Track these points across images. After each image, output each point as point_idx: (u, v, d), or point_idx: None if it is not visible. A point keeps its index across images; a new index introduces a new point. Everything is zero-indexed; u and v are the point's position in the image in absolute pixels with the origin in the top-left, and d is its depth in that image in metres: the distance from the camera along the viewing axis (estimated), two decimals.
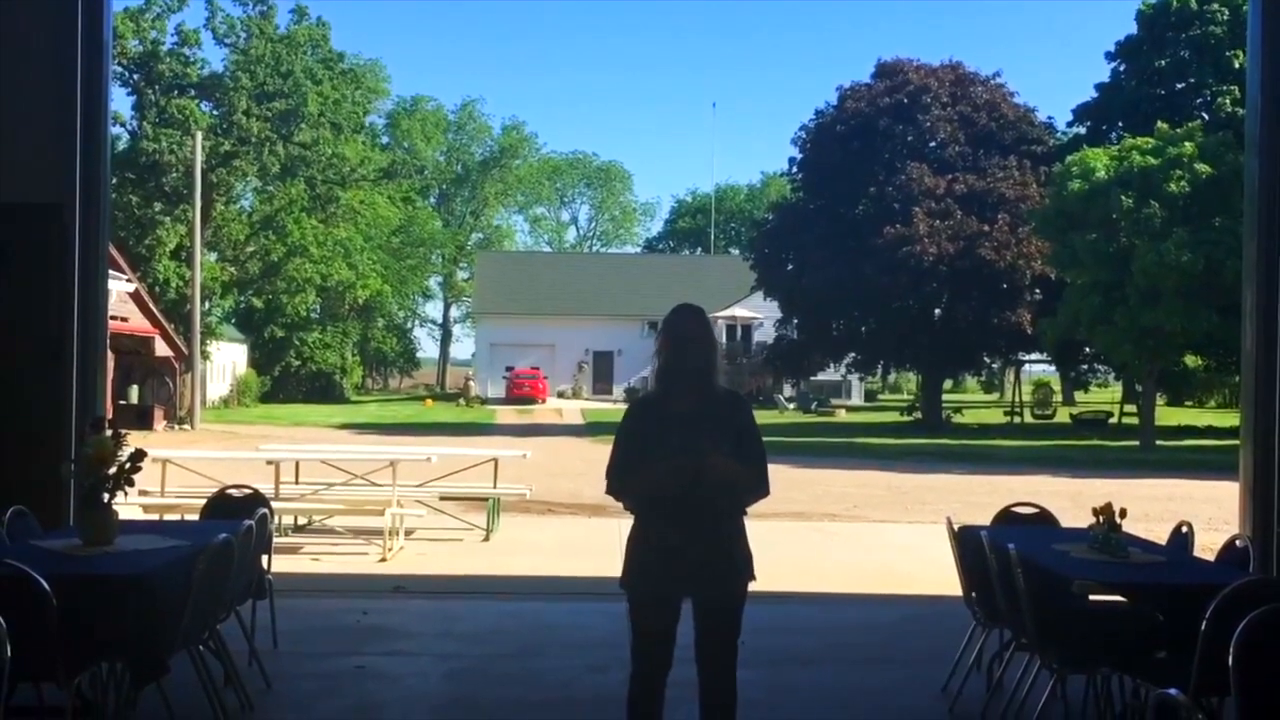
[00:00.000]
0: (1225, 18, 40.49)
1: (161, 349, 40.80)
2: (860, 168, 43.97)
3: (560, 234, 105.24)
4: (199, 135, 46.29)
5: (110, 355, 11.04)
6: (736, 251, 78.52)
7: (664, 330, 5.05)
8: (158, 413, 40.69)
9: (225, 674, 6.51)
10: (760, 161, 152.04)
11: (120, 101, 52.02)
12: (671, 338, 5.00)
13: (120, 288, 34.76)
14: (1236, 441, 9.07)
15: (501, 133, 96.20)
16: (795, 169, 49.03)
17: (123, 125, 51.70)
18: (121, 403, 38.67)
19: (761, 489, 4.98)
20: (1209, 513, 16.88)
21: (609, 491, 5.04)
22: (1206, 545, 8.53)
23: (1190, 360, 44.76)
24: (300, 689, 7.27)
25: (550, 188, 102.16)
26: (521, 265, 76.22)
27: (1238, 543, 6.89)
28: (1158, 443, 34.84)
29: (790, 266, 46.55)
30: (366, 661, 7.86)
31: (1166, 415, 45.58)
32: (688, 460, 4.79)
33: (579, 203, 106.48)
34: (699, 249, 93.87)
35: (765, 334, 56.80)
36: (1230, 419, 43.22)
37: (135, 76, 51.97)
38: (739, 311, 62.17)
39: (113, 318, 26.30)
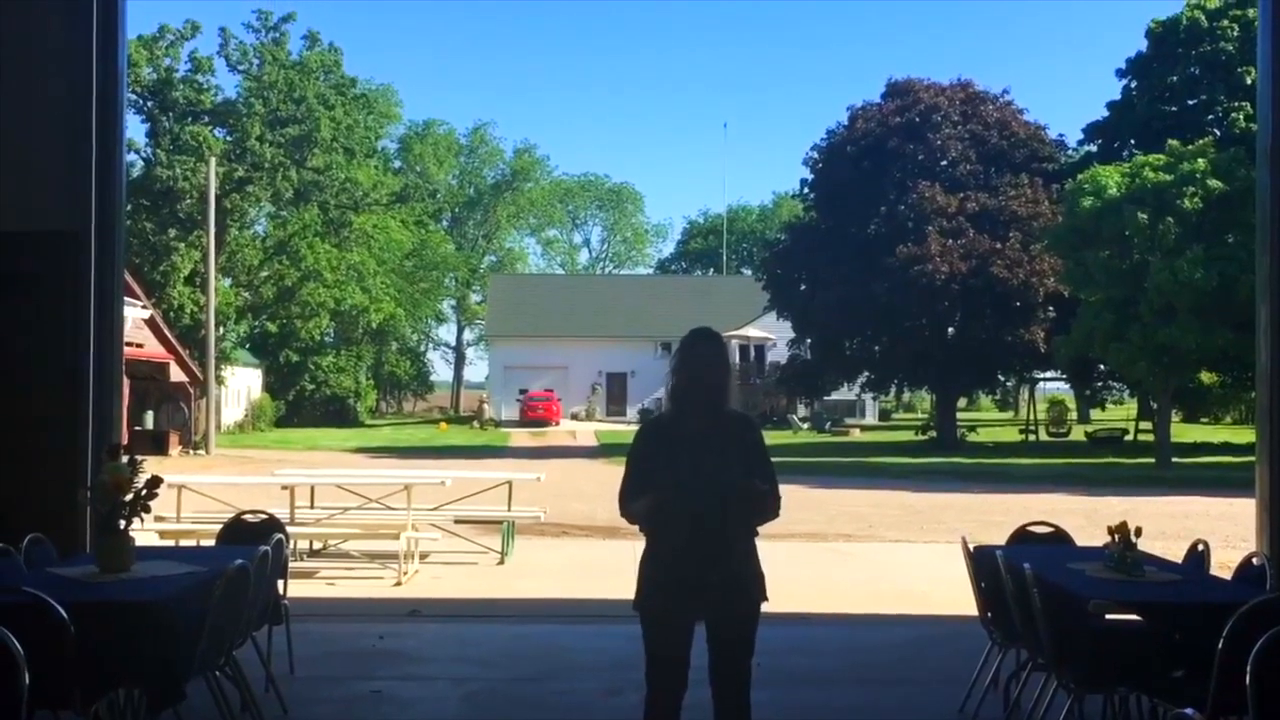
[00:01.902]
0: (1235, 34, 40.49)
1: (176, 374, 40.94)
2: (872, 187, 44.03)
3: (573, 256, 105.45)
4: (213, 161, 46.56)
5: (125, 381, 11.08)
6: (749, 272, 78.64)
7: (678, 353, 5.08)
8: (173, 438, 40.80)
9: (242, 700, 6.52)
10: (772, 182, 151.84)
11: (134, 128, 52.43)
12: (685, 360, 5.03)
13: (135, 314, 34.91)
14: (1253, 458, 9.03)
15: (513, 155, 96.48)
16: (807, 189, 49.14)
17: (137, 152, 52.04)
18: (137, 428, 38.82)
19: (772, 511, 5.00)
20: (1225, 530, 16.82)
21: (622, 514, 5.07)
22: (1223, 563, 8.49)
23: (1205, 377, 44.63)
24: (317, 714, 7.27)
25: (562, 210, 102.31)
26: (534, 287, 76.37)
27: (1254, 560, 6.86)
28: (1173, 460, 34.73)
29: (803, 286, 46.58)
30: (383, 686, 7.86)
31: (1182, 432, 45.44)
32: (688, 487, 4.81)
33: (591, 224, 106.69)
34: (711, 270, 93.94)
35: (778, 354, 56.78)
36: (1246, 435, 43.02)
37: (149, 104, 52.29)
38: (752, 332, 62.15)
39: (128, 344, 26.42)
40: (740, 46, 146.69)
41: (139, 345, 36.13)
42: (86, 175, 8.31)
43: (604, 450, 41.06)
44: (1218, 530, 16.24)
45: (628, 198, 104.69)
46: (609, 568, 13.25)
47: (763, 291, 50.79)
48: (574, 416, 64.50)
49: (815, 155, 47.68)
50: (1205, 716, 4.70)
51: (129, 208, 40.17)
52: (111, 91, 8.52)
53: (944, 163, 45.25)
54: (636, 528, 5.11)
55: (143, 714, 5.70)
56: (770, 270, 49.48)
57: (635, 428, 5.32)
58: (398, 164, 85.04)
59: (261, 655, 7.24)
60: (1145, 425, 45.17)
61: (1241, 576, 6.79)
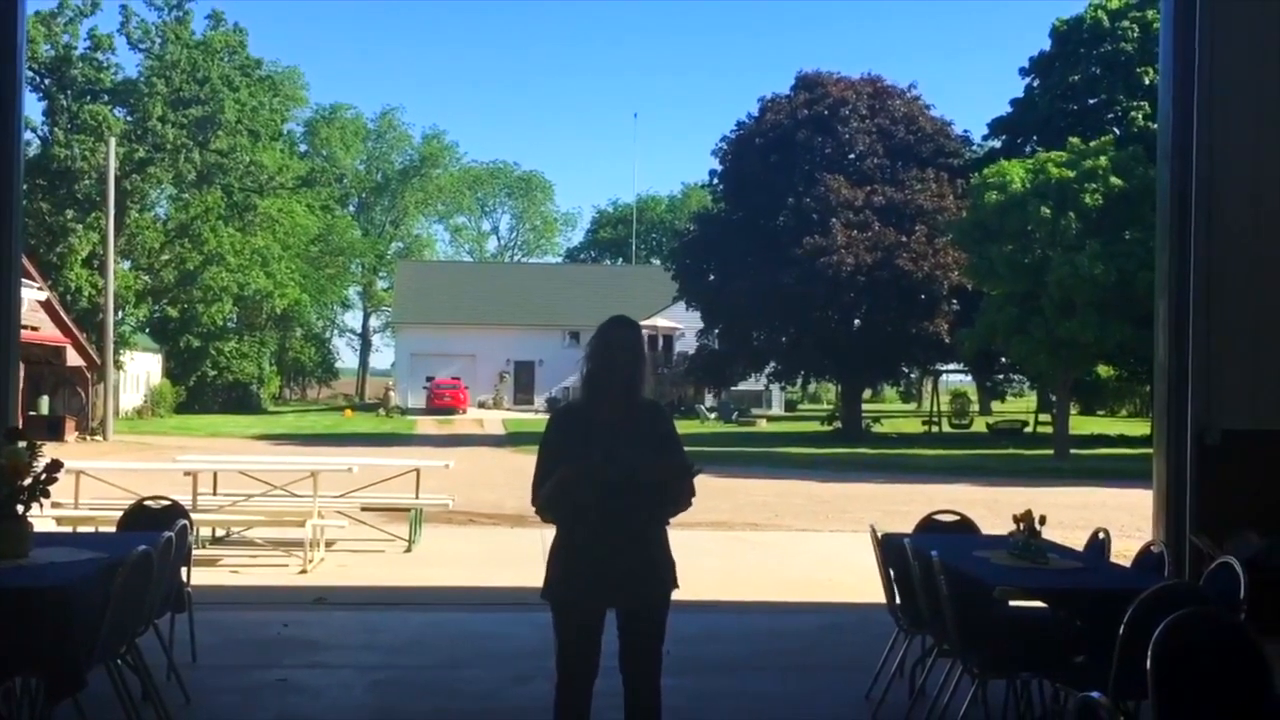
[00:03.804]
0: (1136, 34, 41.33)
1: (73, 359, 40.07)
2: (780, 179, 44.29)
3: (481, 244, 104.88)
4: (112, 141, 45.56)
5: (20, 365, 10.72)
6: (658, 262, 78.76)
7: (595, 339, 5.04)
8: (69, 424, 39.91)
9: (143, 689, 6.39)
10: (681, 172, 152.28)
11: (30, 106, 51.15)
12: (602, 347, 5.00)
13: (31, 296, 34.08)
14: (1147, 450, 9.26)
15: (422, 141, 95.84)
16: (716, 180, 49.33)
17: (33, 131, 50.77)
18: (31, 414, 37.87)
19: (685, 500, 5.00)
20: (1122, 520, 17.17)
21: (534, 503, 5.00)
22: (1121, 552, 8.67)
23: (1103, 370, 45.57)
24: (220, 703, 7.16)
25: (471, 197, 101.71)
26: (442, 275, 75.81)
27: (1153, 549, 7.05)
28: (1072, 451, 35.40)
29: (711, 277, 46.79)
30: (288, 674, 7.77)
31: (1080, 424, 46.37)
32: (597, 466, 4.80)
33: (500, 212, 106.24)
34: (620, 259, 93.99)
35: (687, 344, 57.03)
36: (1141, 427, 44.08)
37: (46, 81, 51.07)
38: (660, 322, 62.32)
39: (23, 327, 25.75)
40: (651, 36, 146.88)
41: (34, 328, 35.30)
42: None
43: (511, 439, 40.93)
44: (1114, 520, 16.54)
45: (537, 186, 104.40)
46: (517, 556, 13.23)
47: (672, 281, 50.99)
48: (481, 405, 64.25)
49: (725, 146, 47.86)
50: (1108, 699, 4.79)
51: (24, 187, 39.05)
52: (9, 68, 8.30)
53: (851, 156, 45.67)
54: (542, 520, 5.06)
55: (41, 703, 5.57)
56: (679, 260, 49.68)
57: (543, 416, 5.25)
58: (304, 148, 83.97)
59: (164, 643, 7.12)
60: (1044, 417, 46.06)
61: (1141, 564, 6.96)
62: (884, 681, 7.18)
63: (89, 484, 13.15)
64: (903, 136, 45.82)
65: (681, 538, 5.14)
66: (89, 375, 42.19)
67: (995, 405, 64.58)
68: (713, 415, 56.90)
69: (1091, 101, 42.99)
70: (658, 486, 4.92)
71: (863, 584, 9.73)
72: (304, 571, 12.12)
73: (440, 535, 15.23)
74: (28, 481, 5.85)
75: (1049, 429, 41.57)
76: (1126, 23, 41.79)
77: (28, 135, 49.27)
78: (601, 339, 5.02)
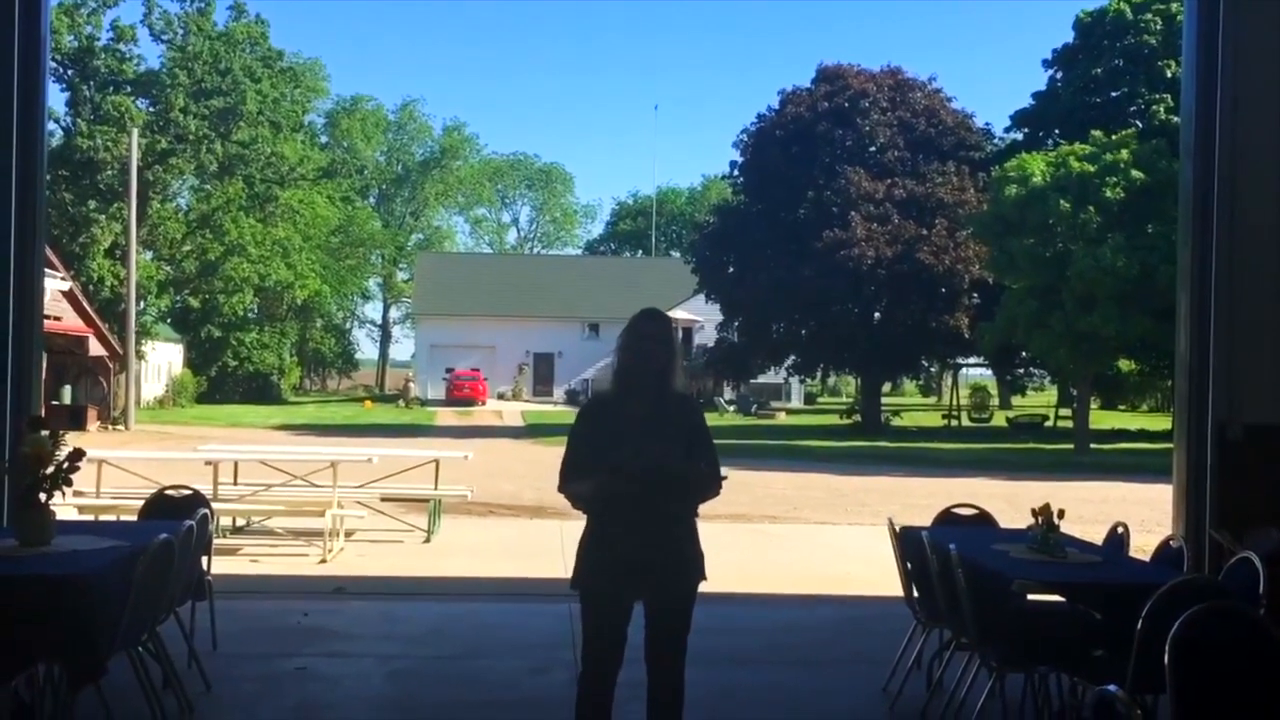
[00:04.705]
0: (1159, 27, 41.13)
1: (95, 348, 40.25)
2: (800, 172, 44.22)
3: (501, 235, 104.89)
4: (135, 132, 45.74)
5: (43, 355, 10.74)
6: (677, 254, 78.67)
7: (626, 332, 5.06)
8: (91, 413, 40.12)
9: (164, 676, 6.43)
10: (701, 164, 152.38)
11: (54, 97, 51.41)
12: (633, 339, 5.02)
13: (54, 286, 34.25)
14: (1168, 445, 9.21)
15: (442, 133, 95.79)
16: (736, 172, 49.26)
17: (56, 121, 51.10)
18: (54, 403, 38.09)
19: (713, 490, 5.02)
20: (1142, 514, 17.13)
21: (560, 490, 5.04)
22: (1140, 546, 8.66)
23: (1124, 364, 45.42)
24: (241, 691, 7.21)
25: (491, 189, 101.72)
26: (462, 266, 75.92)
27: (1172, 543, 7.03)
28: (1092, 446, 35.31)
29: (731, 269, 46.74)
30: (307, 663, 7.81)
31: (1100, 418, 46.22)
32: (630, 468, 4.81)
33: (520, 204, 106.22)
34: (640, 251, 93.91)
35: (706, 337, 56.98)
36: (1162, 422, 43.89)
37: (70, 72, 51.32)
38: (680, 314, 62.11)
39: (45, 316, 25.90)
40: (672, 29, 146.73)
41: (57, 318, 35.47)
42: (8, 145, 8.12)
43: (530, 430, 40.99)
44: (1134, 514, 16.48)
45: (557, 178, 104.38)
46: (535, 547, 13.28)
47: (691, 274, 50.95)
48: (500, 396, 64.36)
49: (745, 139, 47.81)
50: (1126, 693, 4.79)
51: (47, 178, 39.18)
52: (34, 59, 8.33)
53: (872, 149, 45.55)
54: (571, 506, 5.10)
55: (63, 690, 5.62)
56: (699, 253, 49.64)
57: (562, 409, 5.28)
58: (325, 139, 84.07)
59: (185, 631, 7.15)
60: (1065, 411, 45.90)
61: (1160, 558, 6.95)
62: (901, 674, 7.17)
63: (111, 473, 13.22)
64: (923, 129, 45.68)
65: (700, 530, 5.16)
66: (111, 365, 42.42)
67: (1015, 399, 64.37)
68: (732, 408, 56.89)
69: (1114, 94, 42.80)
70: (685, 481, 4.94)
71: (881, 577, 9.73)
72: (323, 561, 12.18)
73: (459, 526, 15.27)
74: (50, 470, 5.89)
75: (1069, 423, 41.45)
76: (1150, 15, 41.59)
77: (51, 126, 49.52)
78: (634, 332, 5.04)
